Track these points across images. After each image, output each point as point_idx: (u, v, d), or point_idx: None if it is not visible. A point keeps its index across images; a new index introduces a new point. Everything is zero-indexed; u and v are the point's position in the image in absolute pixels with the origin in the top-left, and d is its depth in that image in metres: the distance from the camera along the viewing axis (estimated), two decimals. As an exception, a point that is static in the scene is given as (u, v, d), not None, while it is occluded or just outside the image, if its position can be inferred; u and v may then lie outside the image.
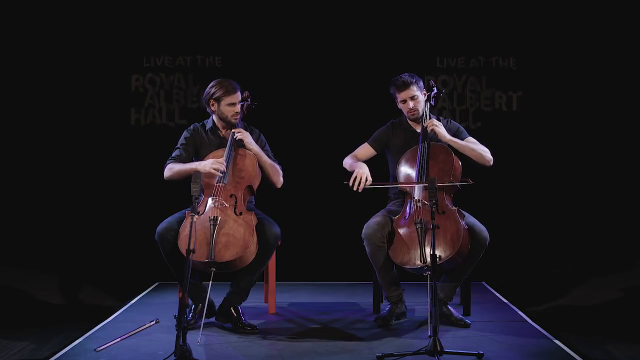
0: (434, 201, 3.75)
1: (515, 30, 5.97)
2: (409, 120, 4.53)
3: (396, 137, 4.54)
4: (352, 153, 4.56)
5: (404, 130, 4.54)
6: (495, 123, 6.01)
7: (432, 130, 4.34)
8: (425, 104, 4.48)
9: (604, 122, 5.97)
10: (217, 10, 5.97)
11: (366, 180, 4.25)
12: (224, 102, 4.34)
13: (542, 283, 5.54)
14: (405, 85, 4.40)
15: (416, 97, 4.42)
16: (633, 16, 5.88)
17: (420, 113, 4.45)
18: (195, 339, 3.85)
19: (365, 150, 4.56)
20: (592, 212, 5.96)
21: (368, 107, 5.80)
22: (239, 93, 4.36)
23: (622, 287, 5.24)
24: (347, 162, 4.52)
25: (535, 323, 4.33)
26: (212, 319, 4.33)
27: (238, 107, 4.35)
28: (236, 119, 4.36)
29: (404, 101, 4.44)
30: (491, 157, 4.40)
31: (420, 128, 4.44)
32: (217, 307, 4.33)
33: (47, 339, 4.01)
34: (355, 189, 4.26)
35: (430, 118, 4.46)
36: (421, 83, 4.46)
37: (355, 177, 4.26)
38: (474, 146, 4.39)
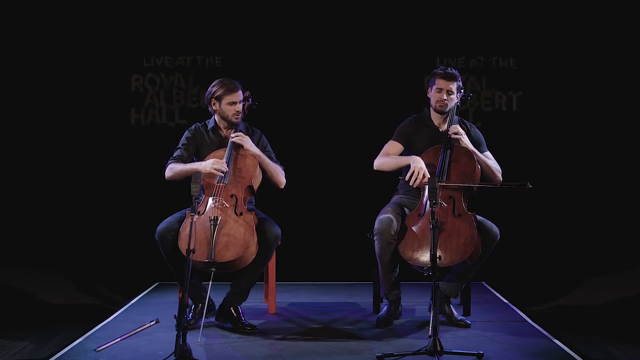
0: (434, 202, 3.74)
1: (515, 30, 5.97)
2: (433, 115, 4.46)
3: (419, 134, 4.46)
4: (382, 152, 4.43)
5: (427, 127, 4.47)
6: (495, 123, 6.01)
7: (455, 138, 4.29)
8: (454, 105, 4.45)
9: (604, 122, 5.97)
10: (217, 10, 5.97)
11: (424, 177, 4.17)
12: (224, 101, 4.34)
13: (542, 283, 5.54)
14: (452, 78, 4.37)
15: (452, 93, 4.38)
16: (633, 16, 5.88)
17: (447, 109, 4.41)
18: (195, 339, 3.84)
19: (394, 146, 4.44)
20: (592, 212, 5.96)
21: (368, 107, 5.80)
22: (240, 92, 4.35)
23: (622, 287, 5.24)
24: (382, 161, 4.40)
25: (535, 323, 4.33)
26: (212, 319, 4.33)
27: (239, 107, 4.34)
28: (237, 118, 4.36)
29: (440, 90, 4.38)
30: (501, 179, 4.39)
31: (445, 128, 4.38)
32: (217, 307, 4.34)
33: (47, 339, 4.01)
34: (411, 184, 4.20)
35: (454, 121, 4.42)
36: (461, 84, 4.45)
37: (414, 171, 4.18)
38: (490, 162, 4.37)
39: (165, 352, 3.57)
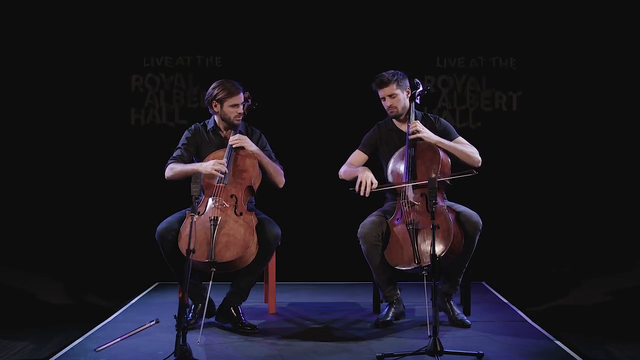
0: (433, 201, 3.74)
1: (515, 30, 5.97)
2: (393, 120, 4.52)
3: (385, 139, 4.53)
4: (347, 162, 4.55)
5: (390, 131, 4.53)
6: (495, 123, 6.01)
7: (417, 136, 4.31)
8: (410, 102, 4.47)
9: (604, 122, 5.97)
10: (217, 10, 5.97)
11: (372, 184, 4.25)
12: (226, 104, 4.34)
13: (542, 283, 5.54)
14: (383, 84, 4.41)
15: (395, 96, 4.41)
16: (633, 16, 5.88)
17: (400, 111, 4.44)
18: (195, 339, 3.85)
19: (358, 156, 4.55)
20: (591, 212, 5.96)
21: (368, 107, 5.77)
22: (241, 94, 4.35)
23: (622, 287, 5.24)
24: (344, 170, 4.53)
25: (535, 323, 4.33)
26: (212, 319, 4.33)
27: (241, 108, 4.35)
28: (239, 120, 4.37)
29: (383, 99, 4.45)
30: (479, 158, 4.37)
31: (407, 128, 4.41)
32: (217, 307, 4.34)
33: (47, 339, 4.02)
34: (362, 194, 4.25)
35: (415, 118, 4.43)
36: (405, 81, 4.44)
37: (361, 182, 4.26)
38: (461, 147, 4.38)
39: (165, 352, 3.57)
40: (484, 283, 5.56)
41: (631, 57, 5.92)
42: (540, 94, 6.01)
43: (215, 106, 4.38)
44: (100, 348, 3.76)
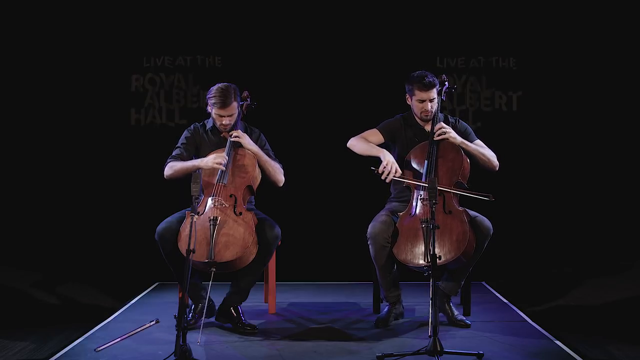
0: (433, 201, 3.74)
1: (515, 30, 5.97)
2: (417, 119, 4.46)
3: (406, 134, 4.44)
4: (360, 135, 4.40)
5: (412, 127, 4.45)
6: (495, 123, 6.01)
7: (443, 137, 4.26)
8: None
9: (604, 122, 5.97)
10: (217, 10, 5.97)
11: (395, 171, 4.15)
12: (214, 111, 4.33)
13: (542, 283, 5.54)
14: (431, 86, 4.29)
15: (434, 100, 4.33)
16: (633, 16, 5.88)
17: (433, 114, 4.38)
18: (195, 339, 3.85)
19: (374, 135, 4.41)
20: (591, 212, 5.96)
21: (368, 106, 5.79)
22: (230, 108, 4.28)
23: (622, 287, 5.24)
24: (357, 144, 4.37)
25: (535, 323, 4.33)
26: (212, 319, 4.33)
27: (226, 120, 4.30)
28: (224, 129, 4.35)
29: (422, 101, 4.33)
30: (498, 163, 4.37)
31: (430, 127, 4.36)
32: (217, 307, 4.34)
33: (47, 339, 4.02)
34: (383, 178, 4.17)
35: (439, 119, 4.36)
36: (438, 82, 4.38)
37: (386, 165, 4.16)
38: (483, 150, 4.35)
39: (165, 352, 3.57)
40: (484, 283, 5.57)
41: (631, 57, 5.92)
42: (540, 94, 6.01)
43: (209, 106, 4.38)
44: (100, 348, 3.76)
